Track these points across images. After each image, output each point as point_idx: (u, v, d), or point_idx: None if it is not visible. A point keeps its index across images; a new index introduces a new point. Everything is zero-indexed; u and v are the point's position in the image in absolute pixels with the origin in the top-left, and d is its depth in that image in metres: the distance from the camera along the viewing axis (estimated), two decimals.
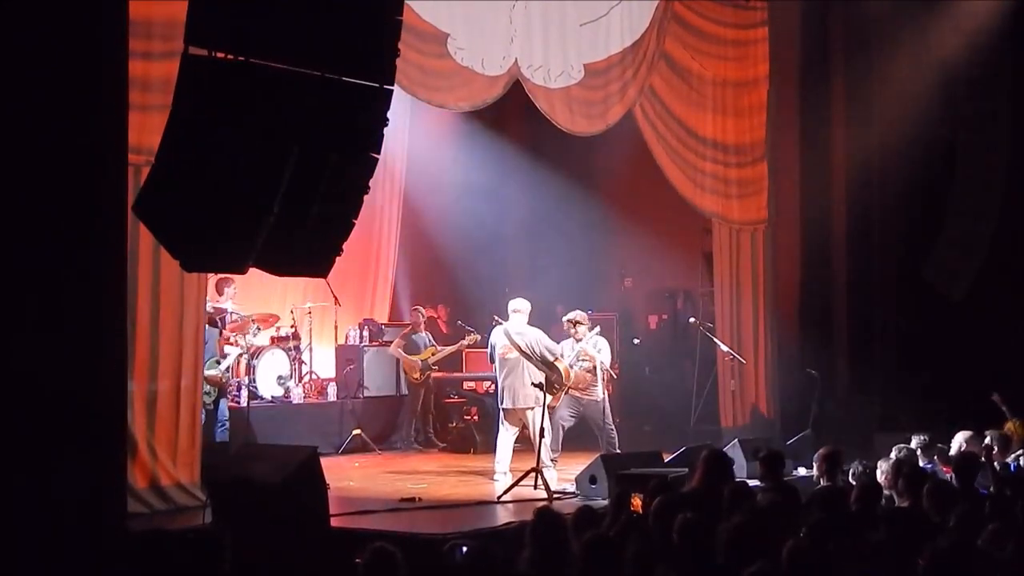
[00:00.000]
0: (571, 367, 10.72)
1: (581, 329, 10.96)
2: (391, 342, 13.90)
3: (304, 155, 5.65)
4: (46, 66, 5.61)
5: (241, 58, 5.42)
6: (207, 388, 10.62)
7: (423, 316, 13.82)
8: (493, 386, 13.79)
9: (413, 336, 13.57)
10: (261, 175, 5.55)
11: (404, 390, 13.74)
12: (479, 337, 13.32)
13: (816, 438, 11.83)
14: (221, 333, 11.74)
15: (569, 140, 12.46)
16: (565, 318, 11.18)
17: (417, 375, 13.40)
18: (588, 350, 10.85)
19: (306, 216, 5.79)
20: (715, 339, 12.86)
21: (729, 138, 13.22)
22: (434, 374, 13.64)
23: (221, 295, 12.08)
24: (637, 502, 6.67)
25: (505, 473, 10.61)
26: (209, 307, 11.09)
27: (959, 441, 9.22)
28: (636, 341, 15.34)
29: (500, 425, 10.99)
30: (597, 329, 11.17)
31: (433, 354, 13.48)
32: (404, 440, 13.55)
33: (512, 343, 10.64)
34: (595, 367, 10.78)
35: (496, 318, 11.10)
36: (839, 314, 14.18)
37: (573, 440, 11.20)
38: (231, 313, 12.25)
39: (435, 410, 13.78)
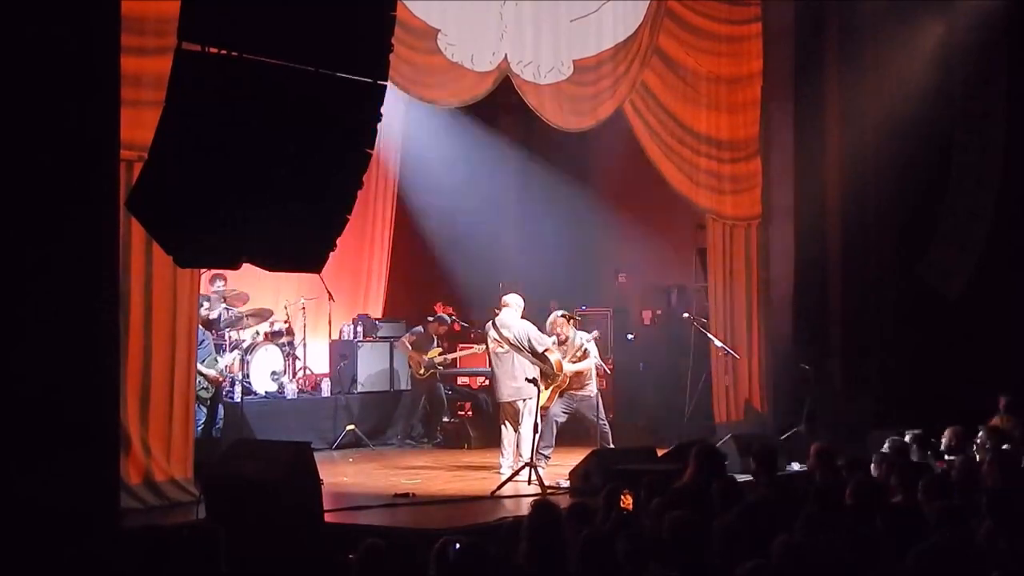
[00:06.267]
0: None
1: (567, 330, 10.92)
2: (385, 338, 13.94)
3: (297, 151, 5.65)
4: (38, 62, 5.60)
5: (235, 54, 5.42)
6: (204, 385, 10.62)
7: (447, 322, 13.85)
8: (487, 382, 13.84)
9: (424, 336, 13.65)
10: (254, 171, 5.55)
11: (399, 385, 13.78)
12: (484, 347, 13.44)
13: (810, 433, 11.85)
14: (216, 334, 11.76)
15: (562, 135, 12.46)
16: (554, 315, 11.13)
17: (422, 372, 13.48)
18: (578, 348, 10.82)
19: (299, 211, 5.79)
20: (709, 334, 12.87)
21: (723, 134, 13.22)
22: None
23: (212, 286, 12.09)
24: (628, 500, 6.65)
25: (511, 467, 10.58)
26: (203, 311, 11.09)
27: (949, 436, 9.22)
28: (630, 337, 15.34)
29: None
30: (589, 335, 11.05)
31: (441, 353, 13.57)
32: (400, 436, 13.60)
33: (501, 337, 10.67)
34: (586, 359, 10.78)
35: (497, 312, 11.13)
36: (833, 309, 14.19)
37: (568, 435, 11.21)
38: (224, 308, 12.24)
39: (430, 406, 13.80)
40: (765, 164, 13.52)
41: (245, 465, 7.87)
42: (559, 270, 15.19)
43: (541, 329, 10.87)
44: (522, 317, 10.84)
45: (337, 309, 14.05)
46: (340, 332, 14.03)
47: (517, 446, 10.67)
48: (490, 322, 10.88)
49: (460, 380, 14.67)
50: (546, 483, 9.89)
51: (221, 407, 11.24)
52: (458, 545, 5.14)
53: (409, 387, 13.79)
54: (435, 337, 13.75)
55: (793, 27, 13.67)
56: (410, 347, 13.57)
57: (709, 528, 5.47)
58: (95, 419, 5.91)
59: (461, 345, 14.40)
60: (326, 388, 13.37)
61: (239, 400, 11.69)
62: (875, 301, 14.31)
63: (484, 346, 13.16)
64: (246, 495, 7.47)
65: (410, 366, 13.63)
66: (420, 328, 13.81)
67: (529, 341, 10.58)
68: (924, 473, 7.15)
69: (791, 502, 6.72)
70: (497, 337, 10.71)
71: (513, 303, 10.83)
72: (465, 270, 15.54)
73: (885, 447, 8.57)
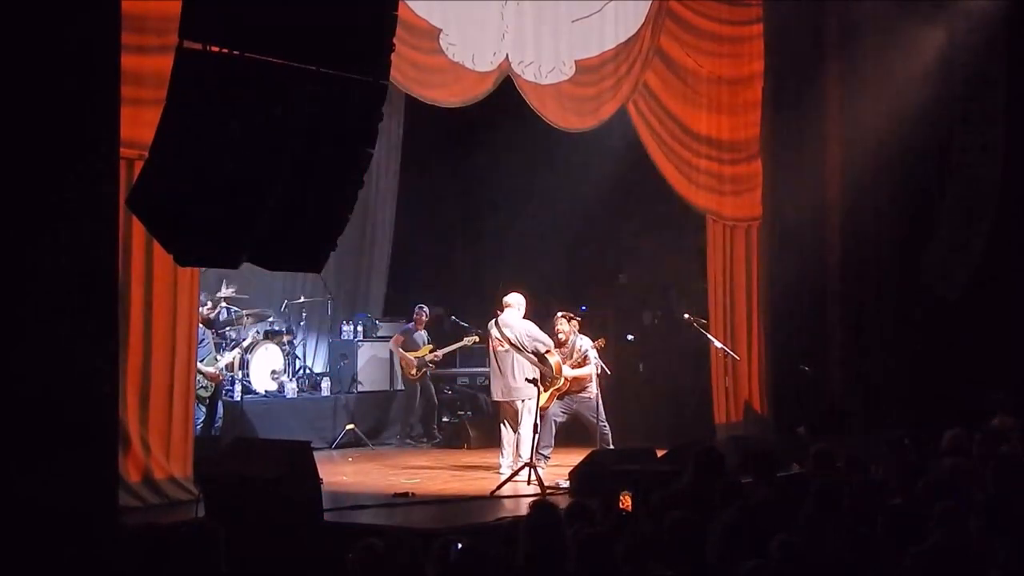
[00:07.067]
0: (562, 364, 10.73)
1: (566, 327, 10.93)
2: (385, 337, 13.92)
3: (298, 149, 5.65)
4: (38, 60, 5.60)
5: (236, 52, 5.41)
6: (204, 383, 10.62)
7: (426, 314, 13.83)
8: (487, 381, 13.83)
9: (413, 334, 13.61)
10: (255, 169, 5.55)
11: (399, 385, 13.77)
12: (477, 339, 13.34)
13: (809, 435, 11.83)
14: (216, 332, 11.76)
15: (563, 135, 12.46)
16: (559, 316, 11.17)
17: (414, 372, 13.45)
18: (579, 354, 10.83)
19: (300, 210, 5.79)
20: (709, 335, 12.84)
21: (724, 135, 13.22)
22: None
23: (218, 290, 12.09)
24: (627, 500, 6.66)
25: (510, 467, 10.58)
26: (204, 310, 11.10)
27: (948, 438, 9.20)
28: (630, 337, 15.32)
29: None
30: (593, 343, 11.04)
31: (431, 351, 13.54)
32: (399, 436, 13.59)
33: (502, 336, 10.68)
34: (586, 365, 10.78)
35: (499, 312, 11.13)
36: (833, 311, 14.19)
37: (567, 435, 11.21)
38: (224, 308, 12.24)
39: (426, 405, 13.80)
40: (765, 165, 13.52)
41: (244, 464, 7.87)
42: (559, 270, 15.17)
43: (543, 329, 10.88)
44: (524, 317, 10.85)
45: (337, 309, 14.04)
46: (340, 332, 14.02)
47: (516, 446, 10.68)
48: (492, 320, 10.91)
49: (460, 380, 14.65)
50: (545, 483, 9.88)
51: (221, 405, 11.26)
52: (459, 545, 5.14)
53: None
54: (421, 331, 13.69)
55: (793, 28, 13.67)
56: (400, 349, 13.53)
57: (709, 528, 5.47)
58: (95, 418, 5.91)
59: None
60: (326, 387, 13.37)
61: (239, 399, 11.69)
62: (875, 301, 14.30)
63: (475, 339, 13.23)
64: (245, 494, 7.47)
65: (402, 367, 13.59)
66: (407, 326, 13.79)
67: (530, 341, 10.60)
68: (924, 473, 7.15)
69: (791, 502, 6.73)
70: (498, 336, 10.73)
71: (515, 303, 10.85)
72: (465, 270, 15.54)
73: (885, 449, 8.57)
